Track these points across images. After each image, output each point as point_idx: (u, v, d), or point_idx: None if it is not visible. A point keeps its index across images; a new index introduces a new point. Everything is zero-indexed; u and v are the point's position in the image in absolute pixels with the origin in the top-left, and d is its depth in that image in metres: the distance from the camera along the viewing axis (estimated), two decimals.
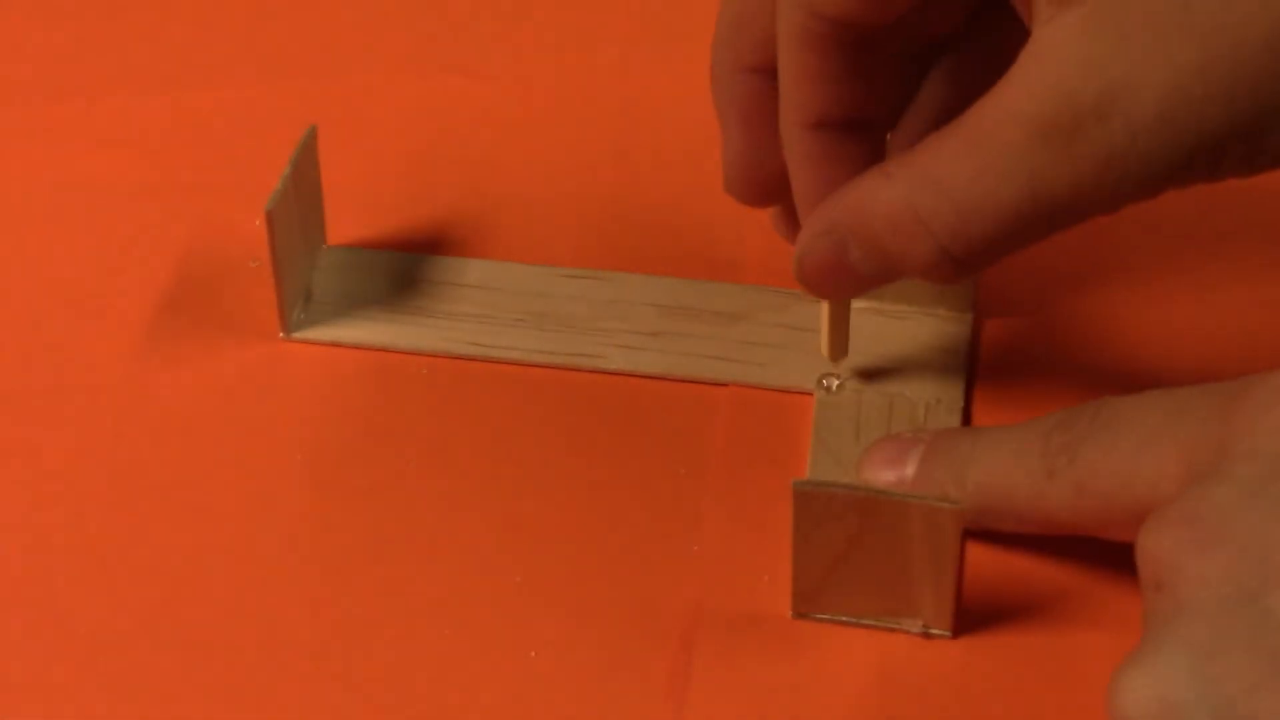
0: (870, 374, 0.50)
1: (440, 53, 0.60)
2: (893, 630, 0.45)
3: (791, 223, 0.48)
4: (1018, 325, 0.52)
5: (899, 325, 0.51)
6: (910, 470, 0.45)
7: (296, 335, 0.52)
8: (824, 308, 0.49)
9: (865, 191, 0.43)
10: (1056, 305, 0.52)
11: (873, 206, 0.43)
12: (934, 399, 0.50)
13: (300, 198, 0.51)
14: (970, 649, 0.44)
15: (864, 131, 0.46)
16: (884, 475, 0.46)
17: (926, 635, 0.44)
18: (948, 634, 0.45)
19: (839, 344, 0.50)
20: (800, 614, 0.45)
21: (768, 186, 0.47)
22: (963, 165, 0.41)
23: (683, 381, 0.51)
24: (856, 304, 0.50)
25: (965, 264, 0.42)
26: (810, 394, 0.50)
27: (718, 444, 0.49)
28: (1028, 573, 0.46)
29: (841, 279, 0.45)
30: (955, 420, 0.49)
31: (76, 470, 0.49)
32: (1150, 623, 0.37)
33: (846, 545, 0.43)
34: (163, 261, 0.54)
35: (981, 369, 0.51)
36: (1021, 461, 0.43)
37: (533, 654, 0.45)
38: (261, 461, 0.49)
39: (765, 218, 0.50)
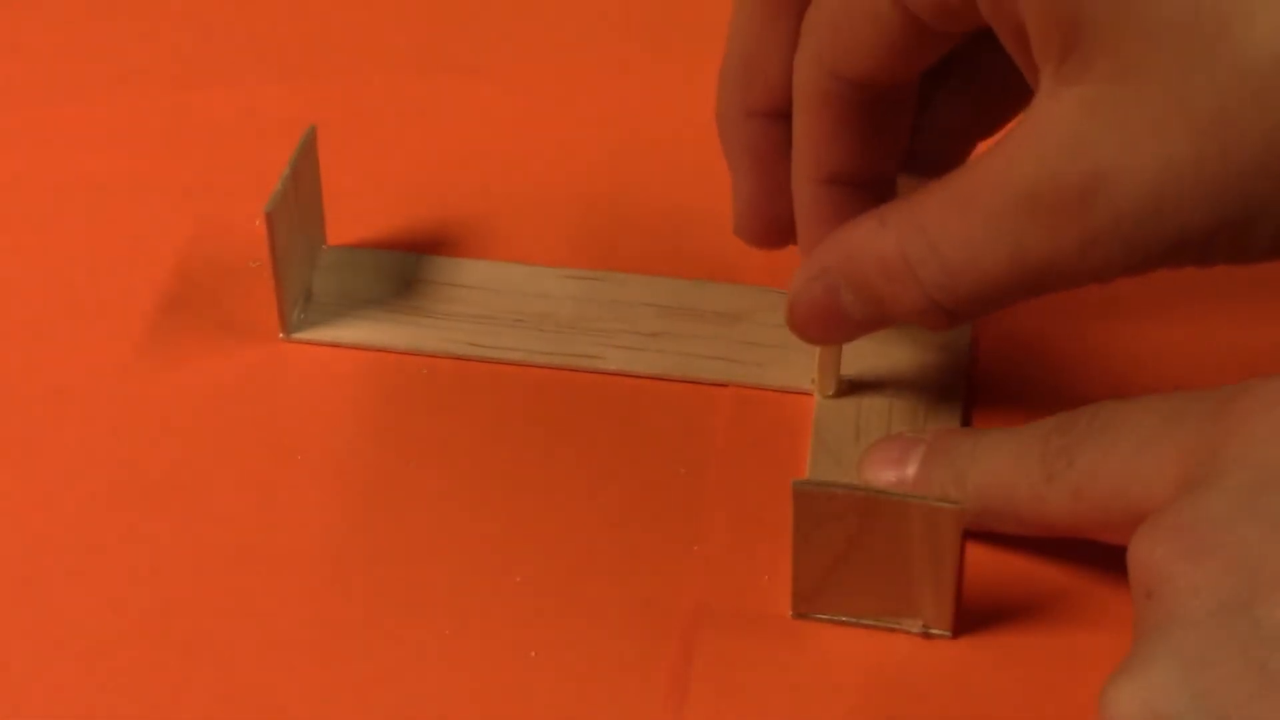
0: (870, 375, 0.50)
1: (440, 53, 0.61)
2: (893, 630, 0.45)
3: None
4: (1016, 327, 0.52)
5: (899, 327, 0.51)
6: (911, 470, 0.45)
7: (296, 336, 0.52)
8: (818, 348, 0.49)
9: (859, 237, 0.44)
10: (1056, 307, 0.51)
11: (866, 251, 0.44)
12: (934, 399, 0.50)
13: (300, 198, 0.51)
14: (970, 649, 0.44)
15: (875, 186, 0.46)
16: (885, 475, 0.46)
17: (926, 635, 0.44)
18: (948, 634, 0.45)
19: (829, 381, 0.50)
20: (800, 614, 0.45)
21: (779, 229, 0.48)
22: (953, 225, 0.42)
23: (683, 382, 0.51)
24: None
25: (955, 316, 0.43)
26: (810, 394, 0.50)
27: (718, 444, 0.49)
28: (1028, 573, 0.46)
29: (833, 323, 0.45)
30: (955, 421, 0.49)
31: (76, 470, 0.49)
32: (1141, 631, 0.37)
33: (846, 545, 0.43)
34: (163, 261, 0.54)
35: (980, 370, 0.51)
36: (1020, 464, 0.43)
37: (533, 654, 0.45)
38: (261, 461, 0.49)
39: None
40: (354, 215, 0.54)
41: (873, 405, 0.50)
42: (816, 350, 0.49)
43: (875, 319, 0.45)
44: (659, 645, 0.45)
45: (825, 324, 0.45)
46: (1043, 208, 0.40)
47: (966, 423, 0.49)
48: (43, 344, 0.52)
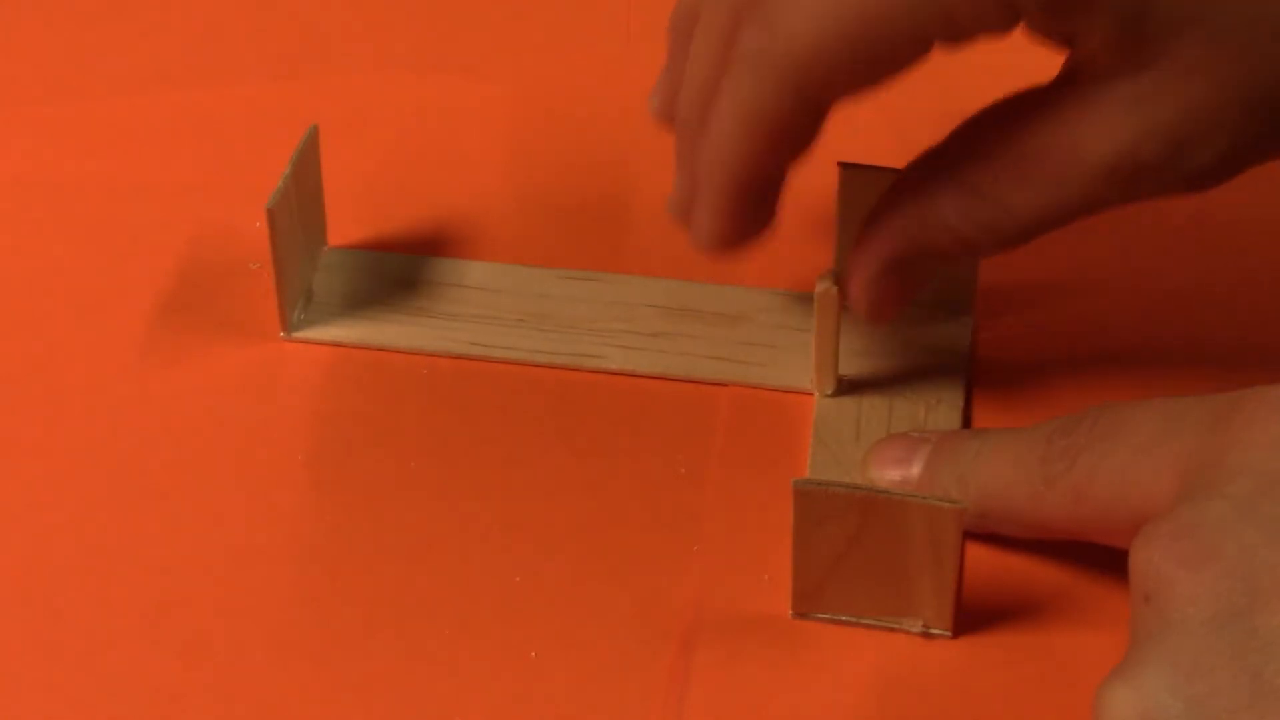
0: (870, 374, 0.50)
1: (440, 52, 0.61)
2: (893, 630, 0.45)
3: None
4: (1016, 326, 0.52)
5: (899, 326, 0.51)
6: (916, 470, 0.46)
7: (297, 335, 0.52)
8: (813, 344, 0.49)
9: (920, 212, 0.46)
10: (1055, 305, 0.52)
11: (931, 222, 0.45)
12: (934, 400, 0.50)
13: (301, 198, 0.51)
14: (970, 649, 0.44)
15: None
16: (890, 474, 0.46)
17: (926, 635, 0.44)
18: (948, 634, 0.45)
19: (828, 380, 0.50)
20: (800, 614, 0.45)
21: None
22: (1023, 192, 0.44)
23: (683, 381, 0.51)
24: None
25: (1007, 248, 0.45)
26: (810, 393, 0.50)
27: (718, 444, 0.49)
28: (1027, 572, 0.46)
29: (903, 300, 0.47)
30: (956, 420, 0.49)
31: (76, 470, 0.49)
32: (1137, 635, 0.38)
33: (847, 544, 0.43)
34: (163, 262, 0.54)
35: (981, 369, 0.51)
36: (1022, 467, 0.43)
37: (533, 654, 0.45)
38: (262, 462, 0.49)
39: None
40: (354, 216, 0.54)
41: (873, 405, 0.50)
42: (807, 350, 0.49)
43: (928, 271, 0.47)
44: (659, 645, 0.45)
45: (897, 305, 0.47)
46: (1120, 178, 0.43)
47: (967, 422, 0.49)
48: (43, 344, 0.52)
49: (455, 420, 0.50)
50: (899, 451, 0.46)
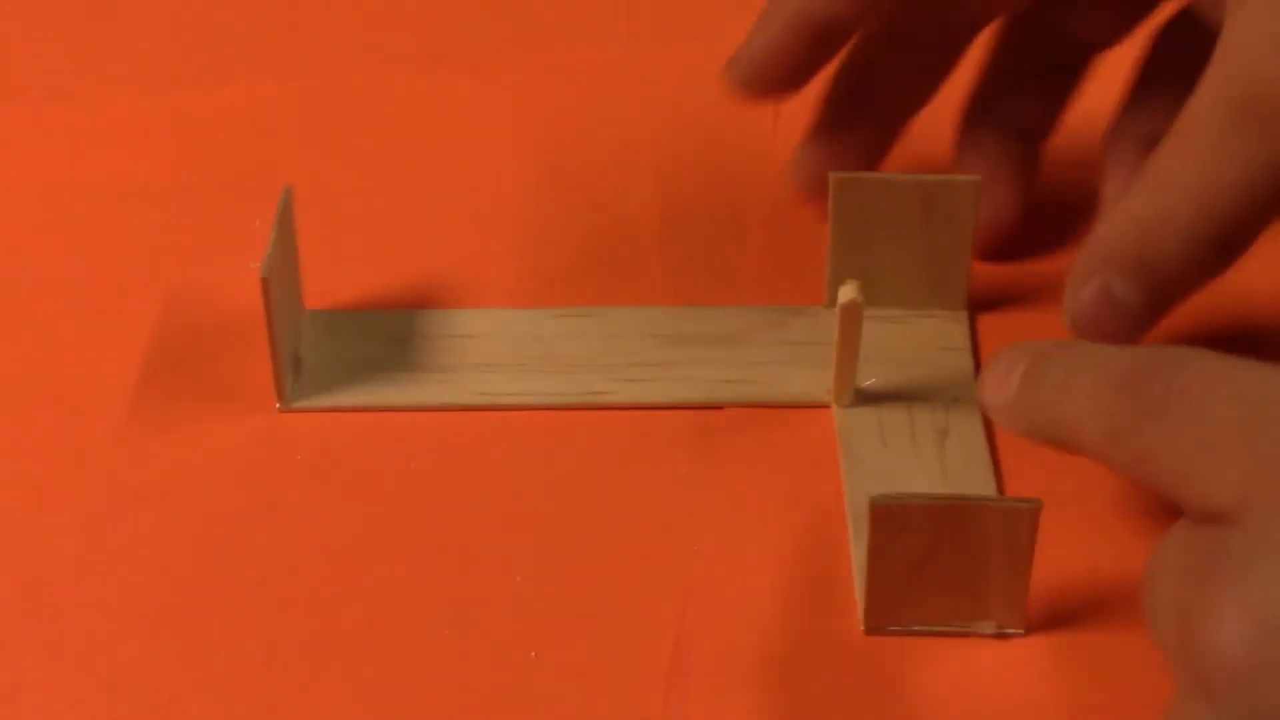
0: (883, 382, 0.50)
1: (441, 52, 0.60)
2: (966, 635, 0.44)
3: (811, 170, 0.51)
4: (1011, 319, 0.52)
5: (899, 329, 0.51)
6: (1011, 393, 0.44)
7: (295, 405, 0.49)
8: (834, 356, 0.49)
9: (1113, 219, 0.45)
10: (1049, 296, 0.52)
11: (1123, 226, 0.44)
12: (951, 398, 0.49)
13: (285, 259, 0.49)
14: (1047, 645, 0.43)
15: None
16: (996, 398, 0.44)
17: (1001, 636, 0.43)
18: (1021, 632, 0.44)
19: (845, 392, 0.49)
20: (873, 629, 0.44)
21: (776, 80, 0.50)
22: (1183, 162, 0.43)
23: (695, 409, 0.50)
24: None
25: (1223, 252, 0.44)
26: (821, 406, 0.49)
27: (720, 449, 0.48)
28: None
29: (1116, 319, 0.45)
30: (976, 416, 0.48)
31: (77, 470, 0.48)
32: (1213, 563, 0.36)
33: (923, 554, 0.42)
34: (164, 262, 0.53)
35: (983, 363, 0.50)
36: (1095, 413, 0.41)
37: (533, 654, 0.44)
38: (263, 460, 0.48)
39: (757, 234, 0.52)
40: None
41: (892, 410, 0.49)
42: (830, 362, 0.49)
43: (1153, 297, 0.44)
44: (659, 645, 0.44)
45: (1111, 323, 0.45)
46: (1255, 117, 0.43)
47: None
48: (43, 344, 0.51)
49: (460, 427, 0.49)
50: (1002, 372, 0.44)
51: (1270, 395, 0.38)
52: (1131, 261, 0.44)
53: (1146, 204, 0.44)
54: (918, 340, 0.50)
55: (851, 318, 0.47)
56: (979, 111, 0.53)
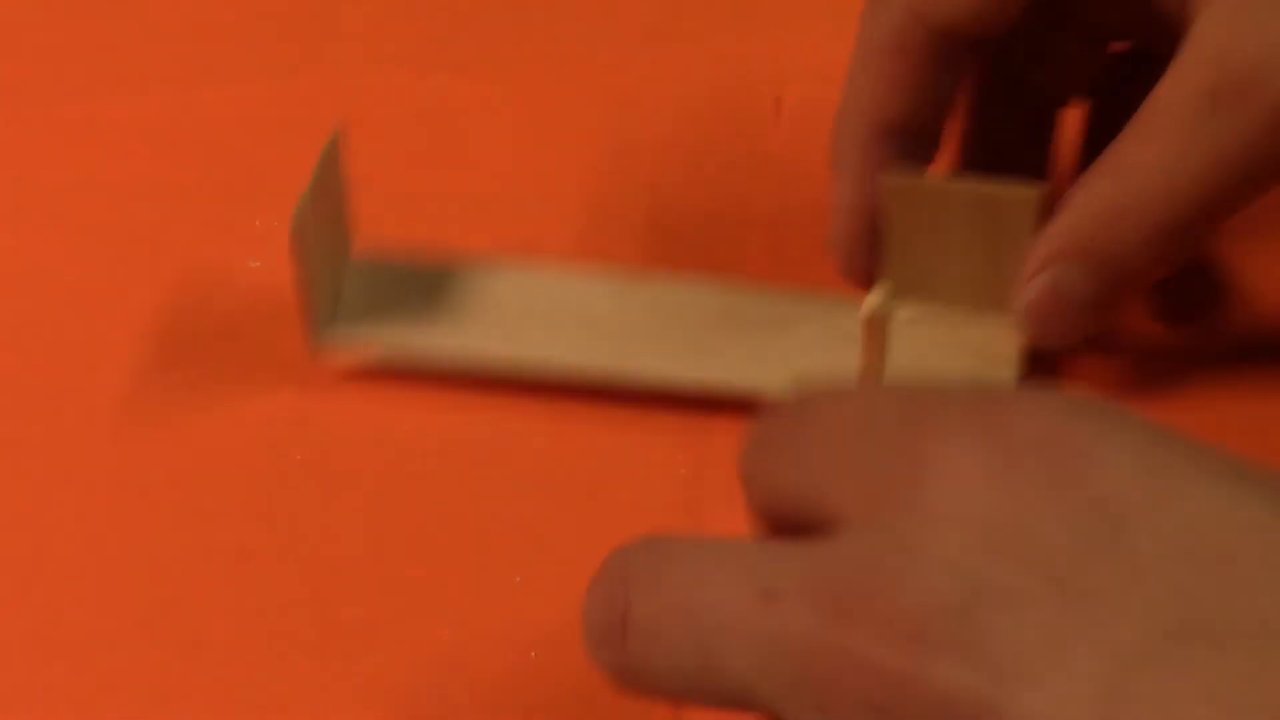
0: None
1: (442, 51, 0.61)
2: None
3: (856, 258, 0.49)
4: None
5: (945, 333, 0.50)
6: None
7: (330, 344, 0.50)
8: (860, 366, 0.48)
9: (1068, 208, 0.45)
10: None
11: (1077, 215, 0.44)
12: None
13: (325, 208, 0.49)
14: None
15: (922, 138, 0.47)
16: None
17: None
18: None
19: None
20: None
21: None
22: (1148, 149, 0.43)
23: (727, 393, 0.49)
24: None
25: (1183, 238, 0.44)
26: None
27: (719, 447, 0.48)
28: None
29: (1064, 312, 0.45)
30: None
31: (77, 466, 0.48)
32: None
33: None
34: (163, 262, 0.53)
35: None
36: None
37: (533, 654, 0.44)
38: (263, 460, 0.48)
39: (767, 223, 0.52)
40: (360, 220, 0.53)
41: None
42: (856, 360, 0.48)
43: (1106, 288, 0.44)
44: None
45: (1058, 317, 0.45)
46: (1228, 103, 0.42)
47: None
48: (43, 344, 0.51)
49: (453, 426, 0.49)
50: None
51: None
52: (1086, 252, 0.44)
53: (1103, 193, 0.44)
54: (962, 348, 0.49)
55: (875, 330, 0.47)
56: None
